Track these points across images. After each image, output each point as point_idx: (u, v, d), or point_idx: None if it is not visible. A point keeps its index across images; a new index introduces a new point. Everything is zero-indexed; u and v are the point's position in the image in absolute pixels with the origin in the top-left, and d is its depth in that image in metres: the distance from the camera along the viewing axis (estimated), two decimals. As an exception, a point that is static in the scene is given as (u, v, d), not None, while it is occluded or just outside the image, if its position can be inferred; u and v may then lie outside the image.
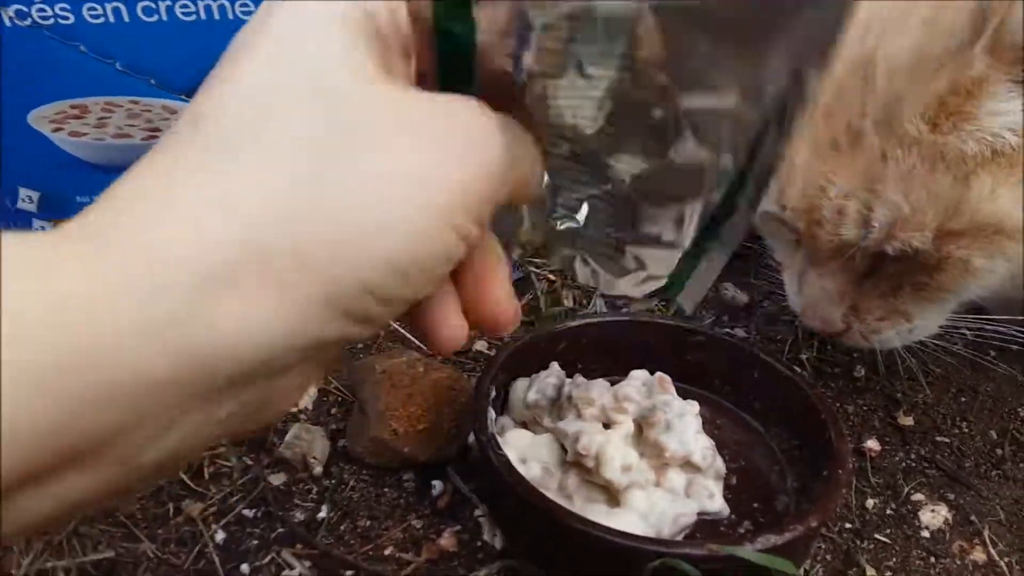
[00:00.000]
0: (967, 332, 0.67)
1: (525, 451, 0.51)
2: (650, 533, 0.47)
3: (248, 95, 0.25)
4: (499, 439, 0.50)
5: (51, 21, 0.54)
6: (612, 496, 0.50)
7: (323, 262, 0.24)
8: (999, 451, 0.59)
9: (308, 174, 0.24)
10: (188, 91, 0.58)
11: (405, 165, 0.25)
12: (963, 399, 0.64)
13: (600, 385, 0.54)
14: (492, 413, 0.53)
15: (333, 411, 0.60)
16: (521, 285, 0.73)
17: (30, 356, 0.20)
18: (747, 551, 0.42)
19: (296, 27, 0.26)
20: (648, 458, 0.52)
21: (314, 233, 0.24)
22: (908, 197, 0.46)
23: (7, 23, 0.53)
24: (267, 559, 0.49)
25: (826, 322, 0.54)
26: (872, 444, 0.59)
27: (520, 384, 0.56)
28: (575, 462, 0.51)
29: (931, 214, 0.46)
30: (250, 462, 0.55)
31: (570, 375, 0.57)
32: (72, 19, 0.54)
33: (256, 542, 0.50)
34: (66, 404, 0.20)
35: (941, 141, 0.46)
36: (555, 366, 0.57)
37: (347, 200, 0.25)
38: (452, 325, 0.32)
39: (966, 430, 0.61)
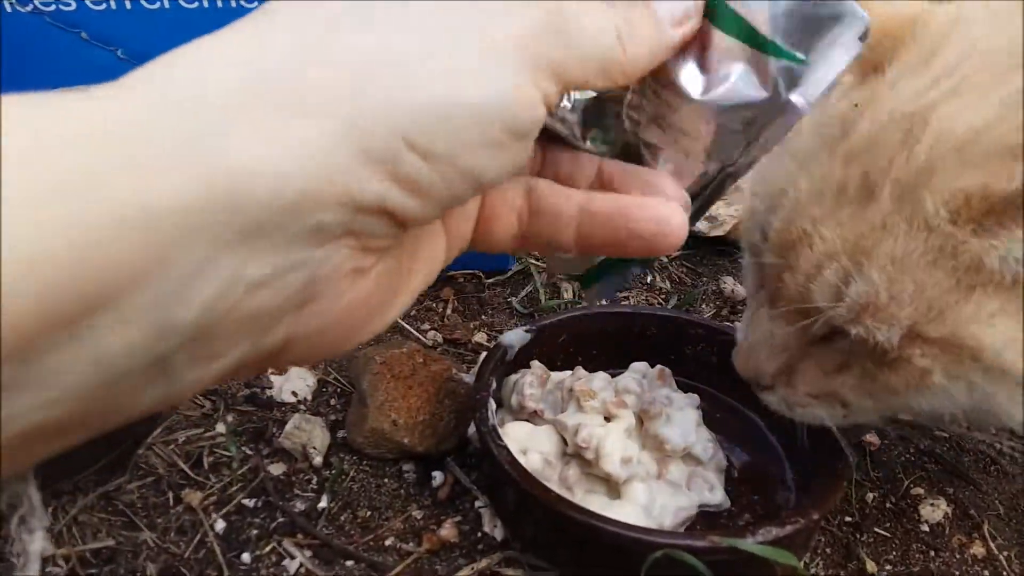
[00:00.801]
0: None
1: (525, 442, 0.51)
2: (651, 525, 0.47)
3: None
4: (499, 430, 0.50)
5: (52, 7, 0.54)
6: (612, 488, 0.50)
7: (349, 93, 0.22)
8: (997, 445, 0.60)
9: (353, 10, 0.23)
10: (189, 79, 0.58)
11: (474, 14, 0.24)
12: (962, 394, 0.64)
13: (601, 378, 0.54)
14: (493, 404, 0.53)
15: (332, 402, 0.60)
16: (520, 278, 0.73)
17: (40, 183, 0.19)
18: (749, 543, 0.42)
19: None
20: (649, 450, 0.52)
21: (341, 64, 0.23)
22: (891, 284, 0.39)
23: (8, 8, 0.53)
24: (268, 548, 0.49)
25: (754, 371, 0.48)
26: (871, 438, 0.59)
27: (510, 380, 0.56)
28: (575, 454, 0.51)
29: (908, 311, 0.39)
30: (249, 452, 0.55)
31: (571, 367, 0.57)
32: (74, 5, 0.54)
33: (256, 532, 0.50)
34: (85, 232, 0.19)
35: (959, 239, 0.38)
36: (535, 365, 0.56)
37: (379, 33, 0.23)
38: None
39: (965, 425, 0.61)
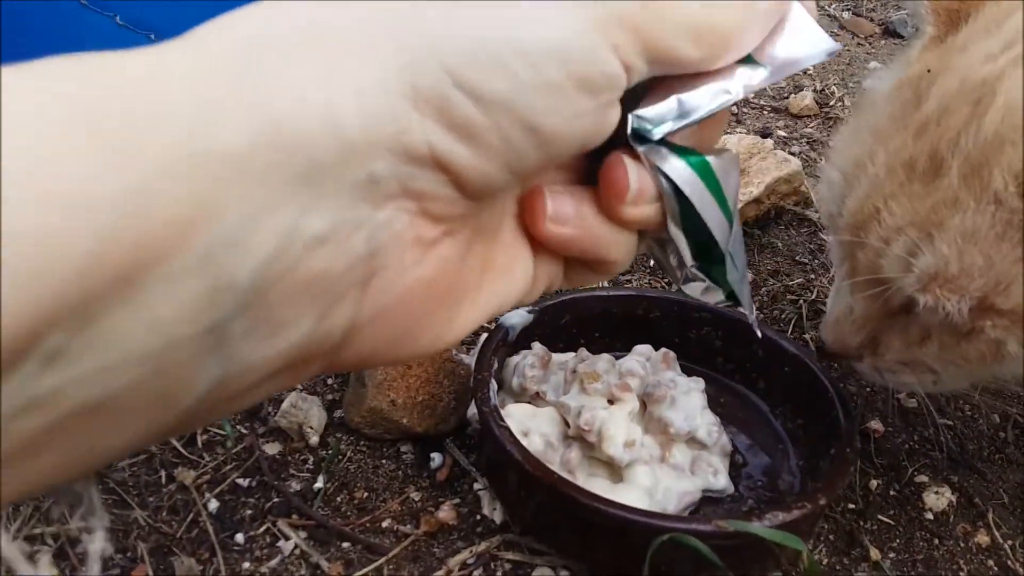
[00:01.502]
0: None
1: (527, 424, 0.50)
2: (655, 509, 0.46)
3: None
4: (501, 412, 0.49)
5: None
6: (615, 472, 0.49)
7: (396, 29, 0.21)
8: (1002, 434, 0.59)
9: None
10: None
11: None
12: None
13: (605, 360, 0.53)
14: (494, 385, 0.52)
15: (330, 381, 0.59)
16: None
17: (88, 129, 0.18)
18: (755, 527, 0.41)
19: None
20: (653, 434, 0.51)
21: (389, 11, 0.22)
22: (962, 257, 0.40)
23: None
24: (262, 529, 0.48)
25: (841, 344, 0.49)
26: (875, 425, 0.58)
27: (511, 361, 0.55)
28: (578, 437, 0.50)
29: (978, 283, 0.40)
30: (244, 431, 0.54)
31: (574, 348, 0.56)
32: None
33: (250, 512, 0.49)
34: (137, 178, 0.18)
35: None
36: (536, 347, 0.55)
37: None
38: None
39: (969, 413, 0.61)
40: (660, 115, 0.27)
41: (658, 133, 0.27)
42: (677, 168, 0.28)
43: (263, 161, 0.20)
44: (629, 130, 0.27)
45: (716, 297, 0.33)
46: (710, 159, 0.28)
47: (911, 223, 0.40)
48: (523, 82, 0.22)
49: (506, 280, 0.28)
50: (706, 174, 0.28)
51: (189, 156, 0.19)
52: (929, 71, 0.42)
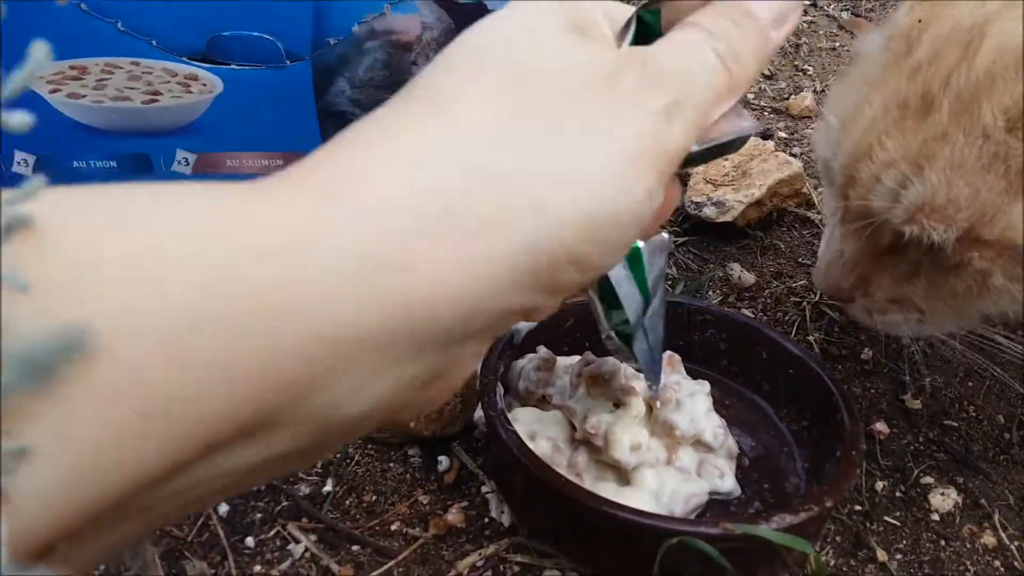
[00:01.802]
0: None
1: (534, 427, 0.50)
2: (661, 512, 0.46)
3: (459, 55, 0.26)
4: (508, 415, 0.49)
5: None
6: (622, 475, 0.49)
7: (524, 214, 0.23)
8: (1007, 435, 0.59)
9: (510, 128, 0.24)
10: (190, 53, 0.56)
11: (601, 119, 0.25)
12: (970, 383, 0.63)
13: (611, 363, 0.53)
14: (500, 389, 0.52)
15: (336, 385, 0.59)
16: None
17: (234, 300, 0.19)
18: (763, 530, 0.41)
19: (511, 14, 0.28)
20: (659, 437, 0.51)
21: (516, 185, 0.24)
22: (949, 187, 0.42)
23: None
24: (272, 532, 0.48)
25: (832, 286, 0.51)
26: (880, 427, 0.58)
27: (517, 365, 0.55)
28: (585, 440, 0.50)
29: (965, 213, 0.42)
30: (252, 435, 0.54)
31: (579, 352, 0.56)
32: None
33: (260, 515, 0.49)
34: (271, 353, 0.20)
35: (1013, 145, 0.41)
36: (541, 350, 0.55)
37: (546, 153, 0.24)
38: None
39: (974, 414, 0.61)
40: None
41: None
42: None
43: (386, 341, 0.22)
44: None
45: (629, 360, 0.35)
46: (641, 245, 0.30)
47: (902, 157, 0.43)
48: (615, 248, 0.26)
49: None
50: (634, 259, 0.30)
51: (320, 339, 0.20)
52: (920, 21, 0.45)
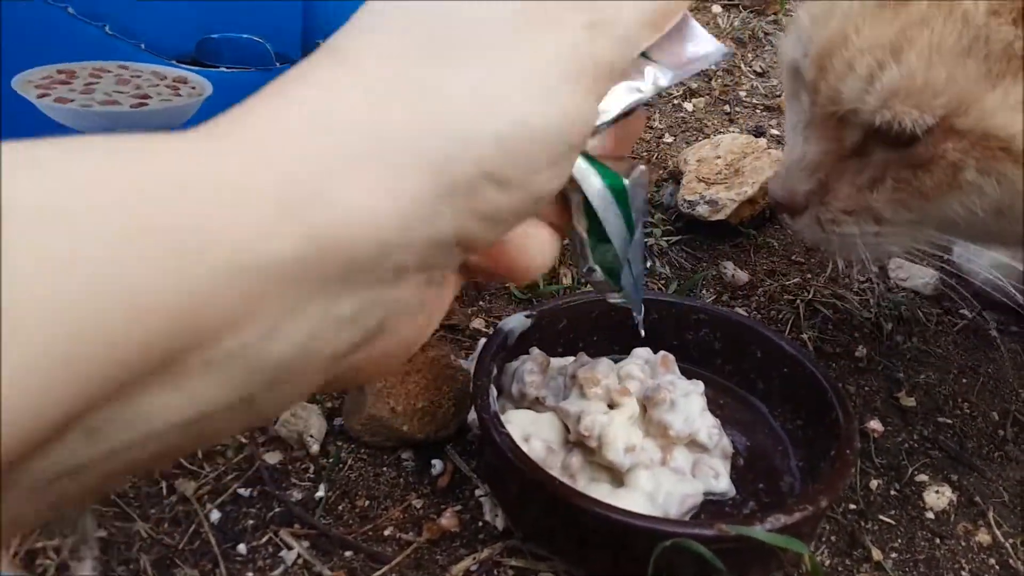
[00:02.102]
0: (967, 312, 0.67)
1: (528, 429, 0.50)
2: (656, 514, 0.46)
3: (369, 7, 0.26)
4: (501, 417, 0.49)
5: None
6: (616, 476, 0.49)
7: (432, 136, 0.23)
8: (1001, 432, 0.59)
9: (424, 55, 0.25)
10: (179, 56, 0.56)
11: (522, 38, 0.25)
12: (964, 380, 0.63)
13: (605, 364, 0.53)
14: (494, 391, 0.52)
15: (329, 388, 0.59)
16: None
17: (143, 237, 0.19)
18: (758, 531, 0.41)
19: None
20: (653, 437, 0.51)
21: (426, 108, 0.24)
22: (927, 71, 0.41)
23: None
24: (264, 539, 0.48)
25: (789, 192, 0.48)
26: (875, 424, 0.58)
27: (510, 367, 0.55)
28: (578, 442, 0.50)
29: (942, 99, 0.41)
30: (244, 440, 0.54)
31: (573, 352, 0.56)
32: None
33: (252, 522, 0.49)
34: (188, 283, 0.20)
35: (993, 29, 0.40)
36: (534, 352, 0.55)
37: (460, 75, 0.24)
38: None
39: (968, 411, 0.61)
40: None
41: None
42: (594, 186, 0.31)
43: (307, 269, 0.22)
44: None
45: (612, 295, 0.36)
46: (627, 183, 0.31)
47: (878, 44, 0.42)
48: (539, 164, 0.25)
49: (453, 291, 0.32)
50: (620, 197, 0.31)
51: (240, 270, 0.20)
52: None
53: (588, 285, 0.36)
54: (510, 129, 0.24)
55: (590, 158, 0.31)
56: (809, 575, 0.46)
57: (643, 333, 0.49)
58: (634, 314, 0.43)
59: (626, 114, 0.30)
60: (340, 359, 0.25)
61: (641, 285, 0.38)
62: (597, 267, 0.34)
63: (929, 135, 0.42)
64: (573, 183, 0.31)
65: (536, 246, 0.30)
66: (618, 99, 0.30)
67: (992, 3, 0.40)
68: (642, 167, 0.33)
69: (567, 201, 0.32)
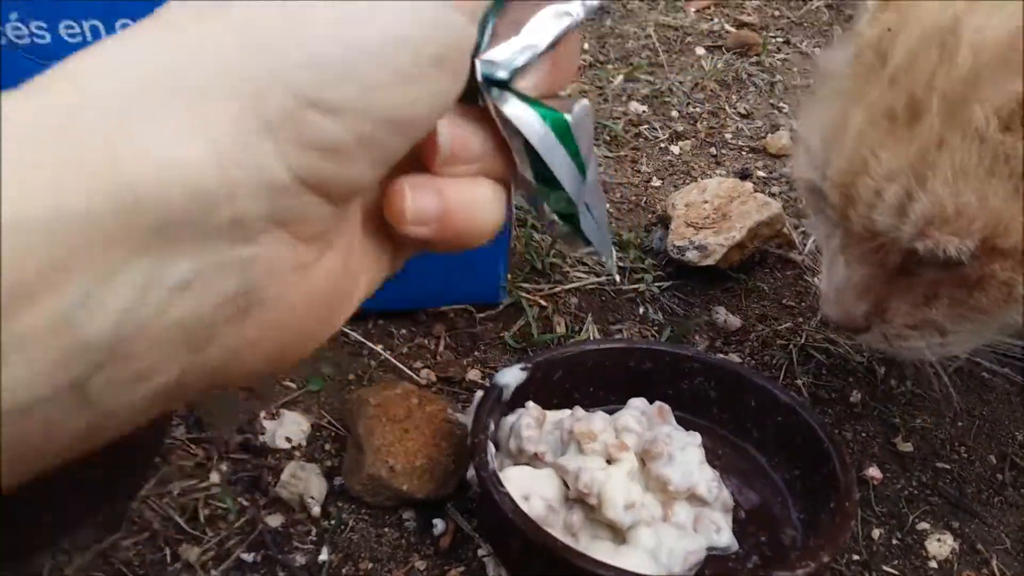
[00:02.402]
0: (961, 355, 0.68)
1: (527, 488, 0.50)
2: (660, 572, 0.46)
3: None
4: (501, 475, 0.49)
5: (27, 41, 0.52)
6: (618, 533, 0.49)
7: (248, 68, 0.21)
8: (999, 476, 0.60)
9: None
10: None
11: None
12: (960, 423, 0.64)
13: (601, 418, 0.54)
14: (492, 448, 0.52)
15: (327, 447, 0.59)
16: (512, 311, 0.72)
17: None
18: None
19: None
20: (653, 492, 0.51)
21: (225, 36, 0.21)
22: (956, 196, 0.40)
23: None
24: (267, 606, 0.48)
25: (846, 315, 0.48)
26: (873, 472, 0.59)
27: (507, 422, 0.55)
28: (579, 499, 0.50)
29: (978, 223, 0.40)
30: (246, 503, 0.54)
31: (569, 404, 0.56)
32: (48, 38, 0.52)
33: (254, 588, 0.49)
34: None
35: (1011, 145, 0.40)
36: (530, 406, 0.55)
37: (272, 6, 0.22)
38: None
39: (965, 455, 0.61)
40: (508, 53, 0.27)
41: (507, 72, 0.27)
42: (534, 128, 0.28)
43: (114, 224, 0.19)
44: (479, 77, 0.26)
45: (578, 246, 0.34)
46: (568, 117, 0.28)
47: (901, 169, 0.41)
48: (376, 82, 0.22)
49: (376, 267, 0.29)
50: (565, 137, 0.29)
51: (41, 225, 0.18)
52: (889, 30, 0.44)
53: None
54: (324, 48, 0.22)
55: (526, 97, 0.28)
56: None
57: (617, 279, 0.46)
58: (604, 260, 0.38)
59: (557, 43, 0.28)
60: (196, 337, 0.22)
61: (605, 226, 0.35)
62: (556, 217, 0.32)
63: (975, 258, 0.42)
64: (510, 128, 0.27)
65: (480, 206, 0.28)
66: (544, 27, 0.27)
67: (1002, 117, 0.39)
68: (584, 101, 0.29)
69: (510, 150, 0.29)
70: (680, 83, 1.11)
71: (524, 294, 0.73)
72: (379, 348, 0.67)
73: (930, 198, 0.41)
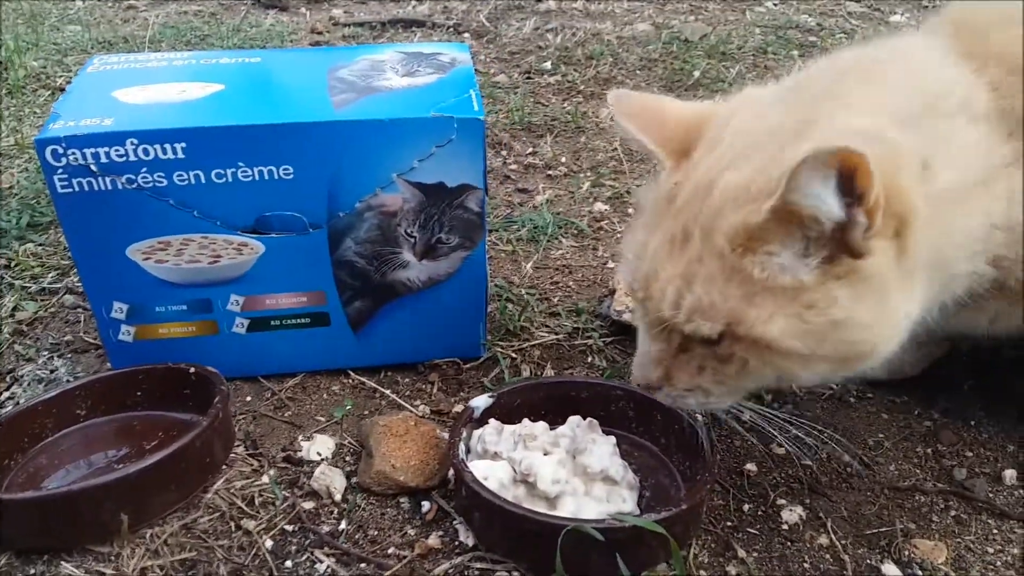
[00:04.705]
0: (834, 386, 0.88)
1: (486, 472, 0.71)
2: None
3: None
4: (468, 464, 0.70)
5: (150, 185, 0.78)
6: (551, 502, 0.70)
7: None
8: (849, 469, 0.79)
9: None
10: (244, 228, 0.81)
11: None
12: (825, 434, 0.83)
13: (541, 427, 0.75)
14: (464, 448, 0.73)
15: (347, 458, 0.80)
16: (490, 362, 0.94)
17: None
18: (631, 518, 0.62)
19: None
20: (579, 476, 0.72)
21: None
22: (709, 295, 0.57)
23: (120, 187, 0.77)
24: (304, 558, 0.69)
25: (644, 378, 0.66)
26: (751, 467, 0.78)
27: (475, 433, 0.76)
28: (523, 480, 0.71)
29: (721, 316, 0.57)
30: (287, 494, 0.75)
31: (522, 420, 0.78)
32: (165, 183, 0.78)
33: (295, 547, 0.70)
34: None
35: (738, 261, 0.56)
36: (492, 421, 0.77)
37: None
38: None
39: (825, 456, 0.81)
40: None
41: None
42: None
43: None
44: None
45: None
46: None
47: (677, 276, 0.60)
48: None
49: None
50: None
51: None
52: (676, 183, 0.64)
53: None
54: None
55: None
56: (675, 562, 0.65)
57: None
58: None
59: None
60: None
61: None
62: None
63: (723, 339, 0.59)
64: None
65: None
66: None
67: (731, 240, 0.56)
68: None
69: None
70: (638, 186, 1.35)
71: (499, 349, 0.95)
72: (387, 391, 0.89)
73: (693, 296, 0.58)
